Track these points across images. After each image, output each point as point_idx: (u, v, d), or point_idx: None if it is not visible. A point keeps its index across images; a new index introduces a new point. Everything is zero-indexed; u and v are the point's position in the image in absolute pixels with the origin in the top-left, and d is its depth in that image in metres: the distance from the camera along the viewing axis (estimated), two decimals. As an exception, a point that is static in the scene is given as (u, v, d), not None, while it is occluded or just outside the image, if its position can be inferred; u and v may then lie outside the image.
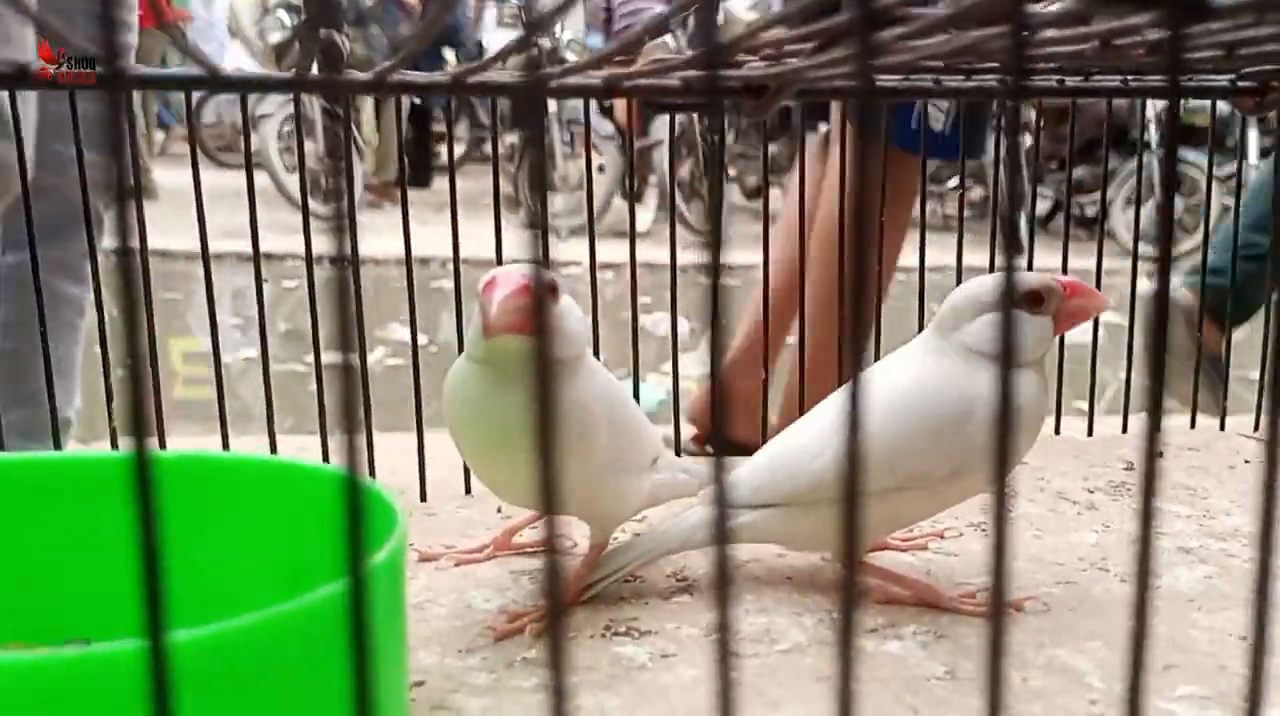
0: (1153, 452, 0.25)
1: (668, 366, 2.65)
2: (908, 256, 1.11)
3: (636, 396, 0.98)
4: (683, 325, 1.03)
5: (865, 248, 0.22)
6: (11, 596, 0.57)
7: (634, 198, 1.01)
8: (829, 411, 0.70)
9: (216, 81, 0.60)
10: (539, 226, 0.32)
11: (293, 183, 4.21)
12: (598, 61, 0.54)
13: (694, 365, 2.71)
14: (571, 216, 4.48)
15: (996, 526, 0.23)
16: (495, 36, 5.24)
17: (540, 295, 0.24)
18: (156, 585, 0.25)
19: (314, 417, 0.93)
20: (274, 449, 0.90)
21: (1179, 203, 3.72)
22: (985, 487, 0.70)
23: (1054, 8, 0.29)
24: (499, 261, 0.83)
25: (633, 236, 0.93)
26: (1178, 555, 0.78)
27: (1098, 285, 1.11)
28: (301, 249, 0.86)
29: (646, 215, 4.67)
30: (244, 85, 0.65)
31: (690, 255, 0.98)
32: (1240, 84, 0.64)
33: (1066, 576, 0.74)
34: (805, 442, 0.68)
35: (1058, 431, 1.09)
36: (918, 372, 0.68)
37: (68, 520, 0.57)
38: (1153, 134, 3.81)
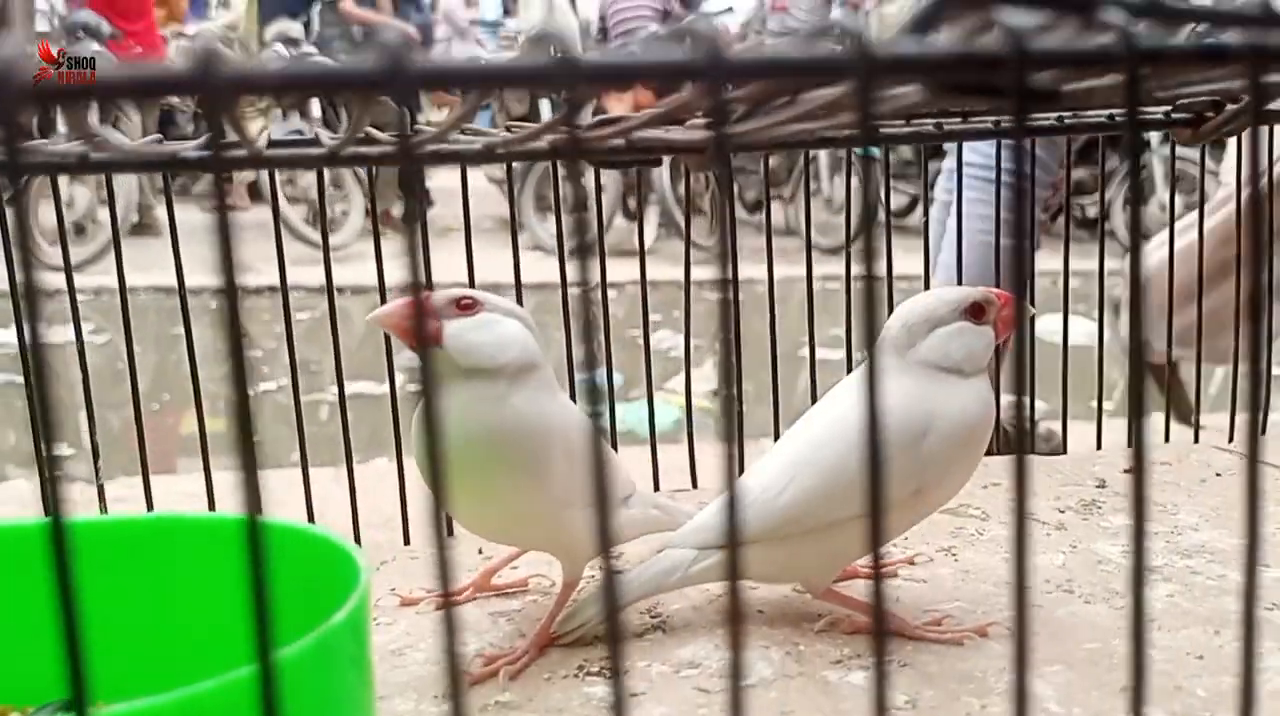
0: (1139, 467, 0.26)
1: (672, 383, 2.65)
2: (913, 265, 1.12)
3: (652, 417, 1.01)
4: (677, 339, 1.05)
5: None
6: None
7: (640, 216, 1.03)
8: (787, 448, 0.72)
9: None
10: (417, 251, 0.35)
11: (295, 214, 4.25)
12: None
13: (701, 381, 2.73)
14: (575, 236, 4.50)
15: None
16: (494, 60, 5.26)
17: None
18: (79, 659, 0.27)
19: (317, 449, 0.94)
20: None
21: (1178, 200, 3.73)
22: (946, 500, 0.72)
23: (901, 91, 0.31)
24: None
25: (642, 256, 0.96)
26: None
27: (1100, 285, 1.12)
28: (305, 280, 0.88)
29: (649, 233, 4.69)
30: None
31: (699, 272, 1.01)
32: (1175, 116, 0.66)
33: (1032, 600, 0.75)
34: (768, 481, 0.70)
35: (1064, 449, 1.10)
36: (862, 392, 0.70)
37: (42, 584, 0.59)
38: (1154, 134, 3.82)
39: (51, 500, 0.27)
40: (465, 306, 0.66)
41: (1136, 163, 0.31)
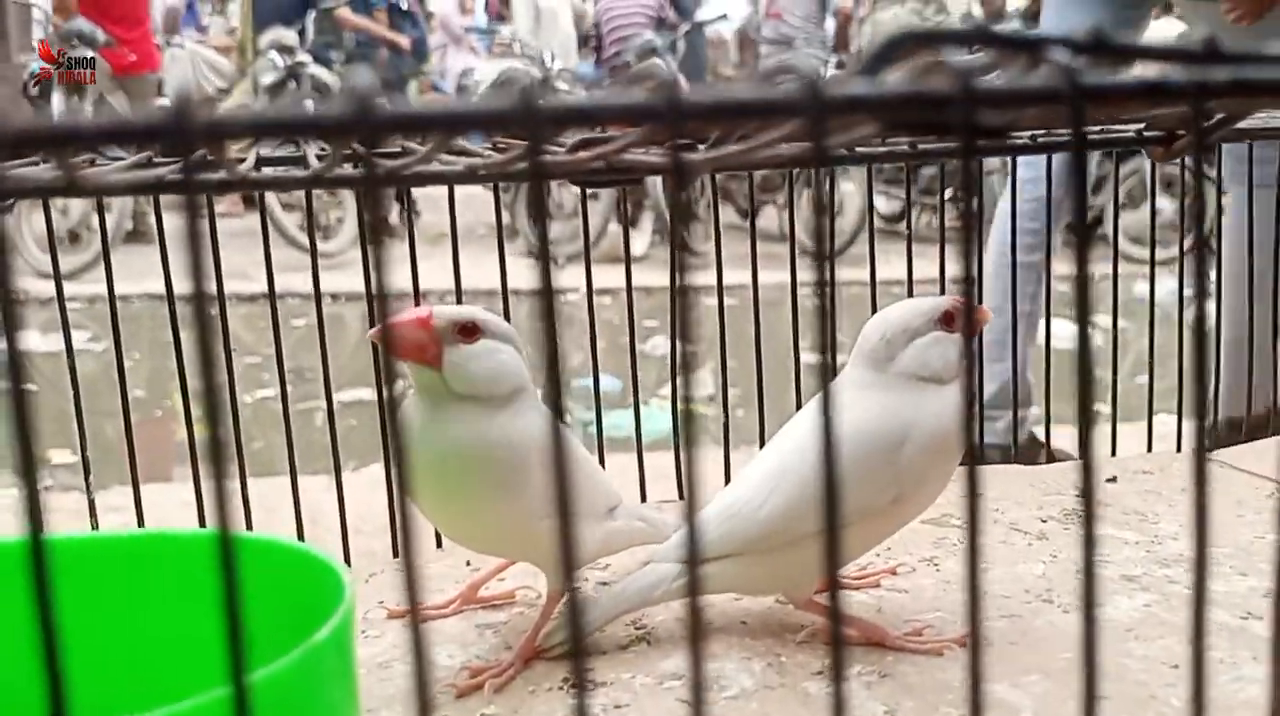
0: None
1: (667, 389, 2.64)
2: (896, 268, 1.13)
3: (639, 426, 1.02)
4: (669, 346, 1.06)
5: None
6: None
7: (625, 225, 1.04)
8: (767, 460, 0.73)
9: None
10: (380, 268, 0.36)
11: (289, 220, 4.26)
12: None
13: (700, 387, 2.73)
14: (568, 243, 4.52)
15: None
16: (487, 66, 5.28)
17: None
18: (58, 681, 0.28)
19: (310, 457, 0.95)
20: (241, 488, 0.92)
21: (1170, 205, 3.74)
22: (925, 507, 0.73)
23: (853, 130, 0.32)
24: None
25: (628, 263, 0.97)
26: (1120, 583, 0.80)
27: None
28: (301, 287, 0.89)
29: (642, 239, 4.71)
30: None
31: (692, 278, 1.01)
32: (1147, 134, 0.68)
33: (1011, 609, 0.77)
34: (749, 494, 0.71)
35: (1050, 459, 1.11)
36: (847, 407, 0.71)
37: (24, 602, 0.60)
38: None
39: (30, 517, 0.28)
40: (467, 332, 0.68)
41: (1082, 192, 0.32)
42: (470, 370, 0.68)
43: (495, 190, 0.99)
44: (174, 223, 0.91)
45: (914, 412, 0.70)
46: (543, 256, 0.30)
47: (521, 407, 0.70)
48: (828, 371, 0.32)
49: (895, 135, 0.30)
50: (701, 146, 0.50)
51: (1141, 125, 0.66)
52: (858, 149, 0.69)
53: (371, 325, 0.89)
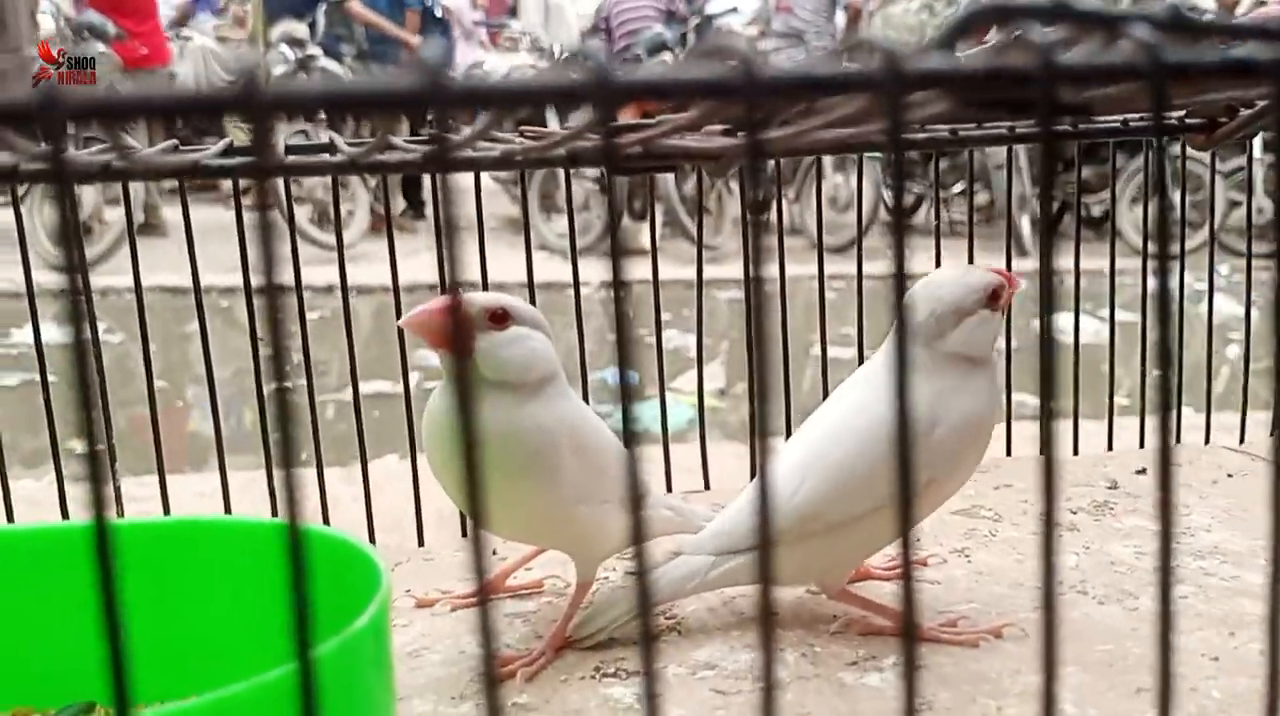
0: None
1: (679, 382, 2.65)
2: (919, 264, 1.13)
3: (665, 417, 1.01)
4: (685, 339, 1.06)
5: None
6: (15, 660, 0.59)
7: (651, 215, 1.04)
8: (798, 448, 0.72)
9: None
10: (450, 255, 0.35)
11: (300, 214, 4.25)
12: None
13: (710, 380, 2.74)
14: (580, 236, 4.52)
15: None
16: (497, 61, 5.27)
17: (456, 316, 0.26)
18: (120, 660, 0.28)
19: (325, 451, 0.95)
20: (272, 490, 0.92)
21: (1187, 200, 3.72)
22: (956, 490, 0.72)
23: (929, 107, 0.31)
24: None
25: (654, 253, 0.97)
26: (1155, 575, 0.79)
27: (1111, 285, 1.12)
28: (312, 280, 0.89)
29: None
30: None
31: (708, 271, 1.01)
32: (1188, 121, 0.67)
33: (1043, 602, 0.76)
34: (780, 482, 0.70)
35: (1076, 451, 1.10)
36: (880, 390, 0.70)
37: (70, 585, 0.60)
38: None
39: (95, 503, 0.28)
40: (498, 318, 0.67)
41: (1163, 174, 0.31)
42: (502, 357, 0.67)
43: (521, 181, 0.98)
44: (194, 214, 0.91)
45: (951, 394, 0.69)
46: (613, 242, 0.29)
47: (552, 394, 0.70)
48: (858, 351, 0.31)
49: (971, 113, 0.30)
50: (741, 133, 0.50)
51: (1183, 112, 0.65)
52: (930, 132, 0.68)
53: (398, 316, 0.88)
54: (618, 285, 0.28)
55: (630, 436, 0.29)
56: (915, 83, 0.28)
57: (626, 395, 0.29)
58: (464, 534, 0.94)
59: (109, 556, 0.27)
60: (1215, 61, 0.30)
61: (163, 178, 0.59)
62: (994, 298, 0.70)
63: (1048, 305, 0.32)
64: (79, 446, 0.26)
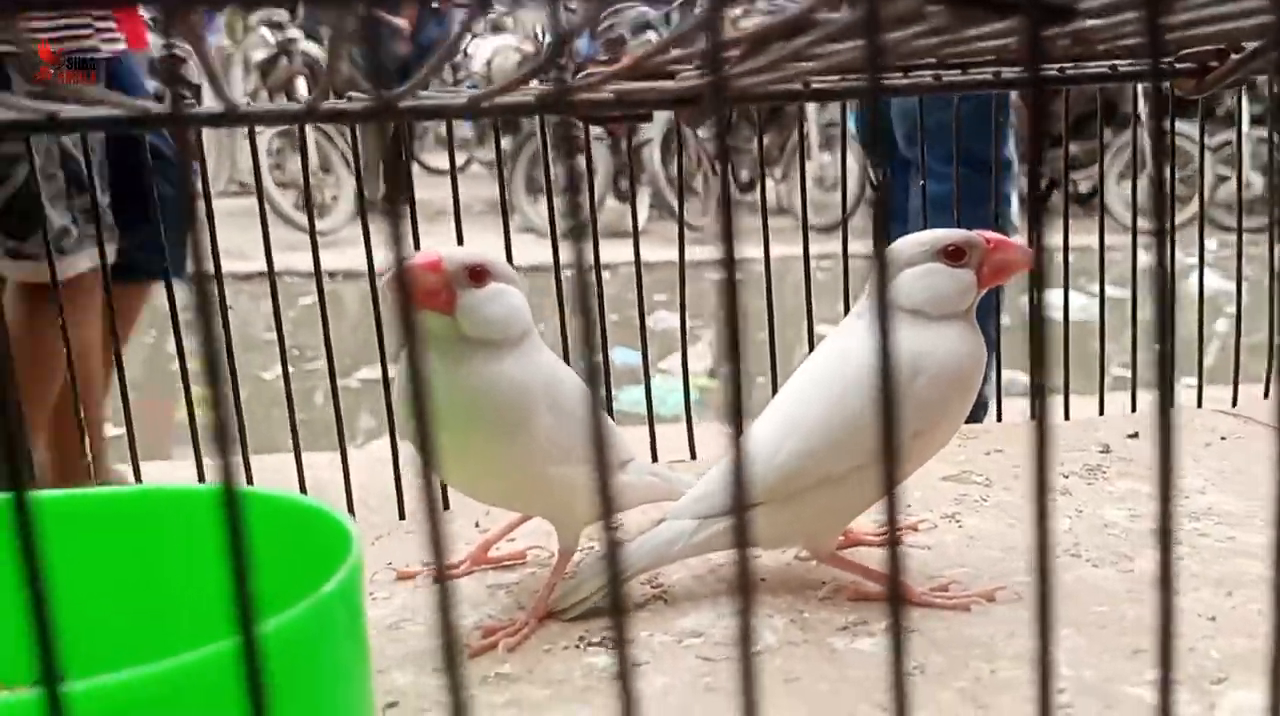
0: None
1: (666, 363, 2.63)
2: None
3: (649, 394, 1.00)
4: (674, 319, 1.04)
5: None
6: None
7: (633, 197, 1.02)
8: (780, 407, 0.71)
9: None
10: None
11: (284, 200, 4.22)
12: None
13: (696, 360, 2.72)
14: (567, 217, 4.48)
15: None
16: (481, 42, 5.23)
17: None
18: (47, 633, 0.26)
19: (316, 434, 0.93)
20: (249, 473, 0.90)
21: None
22: (944, 443, 0.71)
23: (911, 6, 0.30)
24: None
25: (636, 236, 0.95)
26: (1149, 537, 0.78)
27: (1101, 260, 1.11)
28: (300, 265, 0.87)
29: (640, 213, 4.68)
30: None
31: (694, 252, 1.00)
32: (1179, 66, 0.65)
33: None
34: (763, 443, 0.69)
35: (1067, 416, 1.09)
36: (856, 345, 0.69)
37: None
38: (1144, 107, 3.80)
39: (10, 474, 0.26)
40: (477, 275, 0.66)
41: (1159, 92, 0.30)
42: (484, 313, 0.66)
43: (497, 150, 0.96)
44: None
45: (919, 345, 0.67)
46: (572, 192, 0.27)
47: (528, 349, 0.68)
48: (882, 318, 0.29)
49: (957, 18, 0.28)
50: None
51: (1172, 58, 0.63)
52: (908, 73, 0.66)
53: (375, 297, 0.87)
54: (589, 263, 0.26)
55: (598, 397, 0.28)
56: (897, -24, 0.26)
57: (599, 368, 0.28)
58: (445, 506, 0.92)
59: (30, 527, 0.25)
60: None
61: (108, 128, 0.56)
62: (953, 254, 0.69)
63: (1039, 232, 0.30)
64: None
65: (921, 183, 1.04)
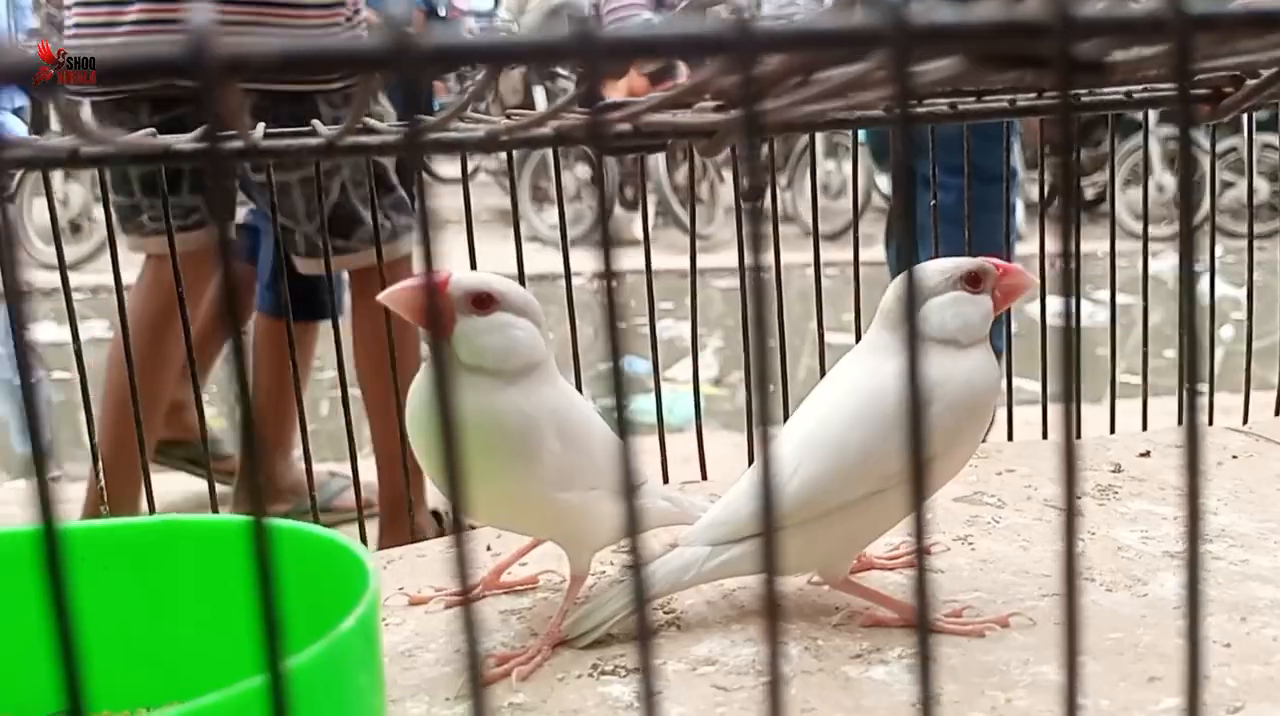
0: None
1: (671, 372, 2.62)
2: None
3: (660, 409, 1.00)
4: (680, 328, 1.04)
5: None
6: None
7: (643, 203, 1.02)
8: (793, 432, 0.71)
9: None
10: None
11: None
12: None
13: (705, 368, 2.72)
14: (572, 227, 4.50)
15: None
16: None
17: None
18: (74, 667, 0.26)
19: (320, 445, 0.93)
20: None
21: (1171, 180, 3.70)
22: (955, 472, 0.71)
23: (938, 66, 0.29)
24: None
25: (647, 245, 0.95)
26: (1163, 560, 0.78)
27: (1113, 268, 1.11)
28: None
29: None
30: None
31: (702, 260, 1.00)
32: (1194, 92, 0.65)
33: (1053, 588, 0.74)
34: (777, 468, 0.69)
35: (1078, 434, 1.09)
36: (871, 372, 0.69)
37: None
38: (1152, 114, 3.80)
39: (41, 505, 0.26)
40: (481, 303, 0.65)
41: (1187, 138, 0.29)
42: (479, 343, 0.65)
43: (510, 169, 0.96)
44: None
45: (937, 373, 0.67)
46: (604, 228, 0.27)
47: (536, 381, 0.68)
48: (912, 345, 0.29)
49: (981, 73, 0.28)
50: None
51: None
52: (929, 106, 0.66)
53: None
54: (608, 274, 0.26)
55: (624, 425, 0.27)
56: (923, 35, 0.26)
57: (620, 383, 0.27)
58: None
59: (58, 556, 0.25)
60: (1242, 13, 0.28)
61: (132, 164, 0.56)
62: (972, 280, 0.70)
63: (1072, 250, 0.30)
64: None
65: (932, 200, 1.03)
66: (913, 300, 0.29)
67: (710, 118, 0.51)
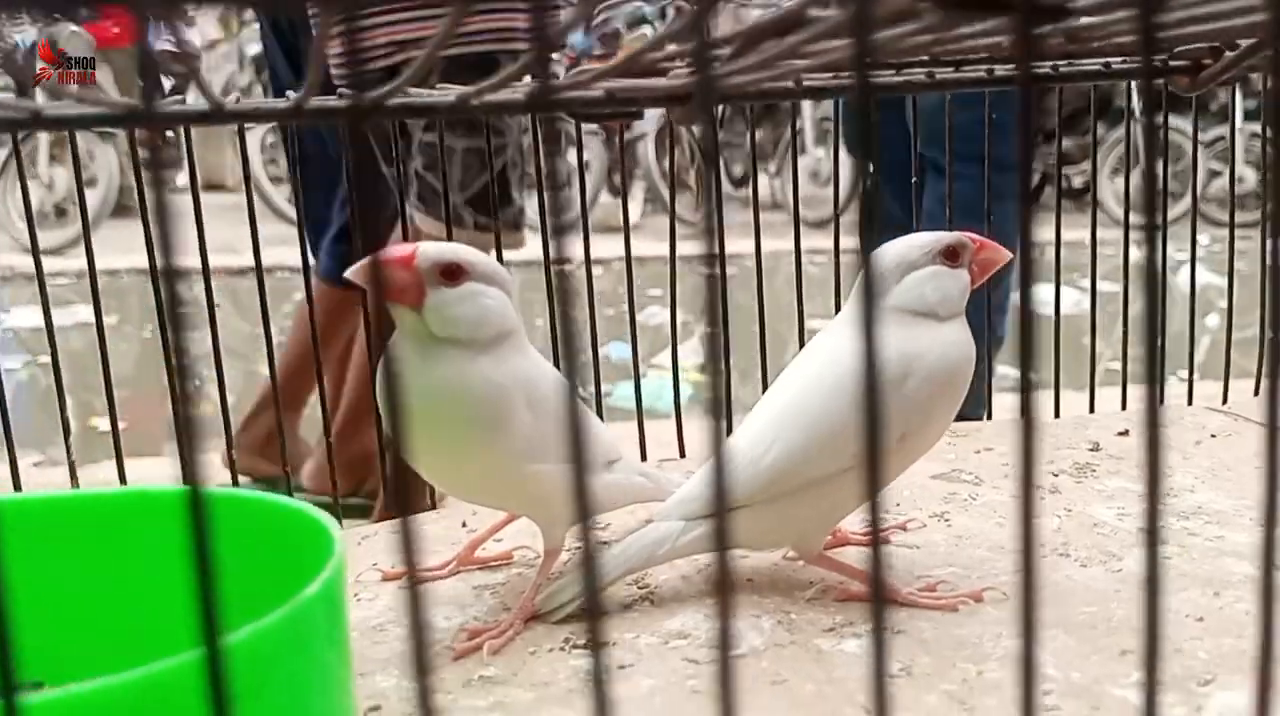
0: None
1: (658, 358, 2.62)
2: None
3: (639, 393, 0.99)
4: (669, 314, 1.04)
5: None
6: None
7: (624, 192, 1.02)
8: (769, 407, 0.70)
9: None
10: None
11: (278, 195, 4.21)
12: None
13: (690, 356, 2.72)
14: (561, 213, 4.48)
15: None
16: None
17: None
18: (4, 640, 0.25)
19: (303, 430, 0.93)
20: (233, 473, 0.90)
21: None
22: (931, 445, 0.71)
23: (907, 28, 0.29)
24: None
25: (627, 232, 0.95)
26: (1138, 536, 0.78)
27: (1093, 255, 1.11)
28: (292, 260, 0.86)
29: (634, 208, 4.67)
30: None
31: (685, 247, 0.99)
32: (1173, 64, 0.64)
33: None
34: (751, 443, 0.68)
35: (1057, 413, 1.09)
36: (845, 346, 0.69)
37: (23, 562, 0.57)
38: (1137, 102, 3.80)
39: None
40: (450, 274, 0.65)
41: (1151, 91, 0.29)
42: (451, 314, 0.65)
43: (488, 146, 0.95)
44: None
45: (914, 347, 0.68)
46: (553, 188, 0.27)
47: (507, 351, 0.67)
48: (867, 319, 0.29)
49: (949, 18, 0.27)
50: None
51: (1165, 55, 0.63)
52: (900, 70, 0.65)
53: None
54: (569, 259, 0.26)
55: (573, 394, 0.27)
56: (874, -22, 0.25)
57: (571, 360, 0.27)
58: (433, 505, 0.91)
59: None
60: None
61: (98, 125, 0.56)
62: (950, 255, 0.70)
63: (1026, 222, 0.30)
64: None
65: (945, 188, 1.03)
66: (869, 273, 0.29)
67: (683, 82, 0.50)
